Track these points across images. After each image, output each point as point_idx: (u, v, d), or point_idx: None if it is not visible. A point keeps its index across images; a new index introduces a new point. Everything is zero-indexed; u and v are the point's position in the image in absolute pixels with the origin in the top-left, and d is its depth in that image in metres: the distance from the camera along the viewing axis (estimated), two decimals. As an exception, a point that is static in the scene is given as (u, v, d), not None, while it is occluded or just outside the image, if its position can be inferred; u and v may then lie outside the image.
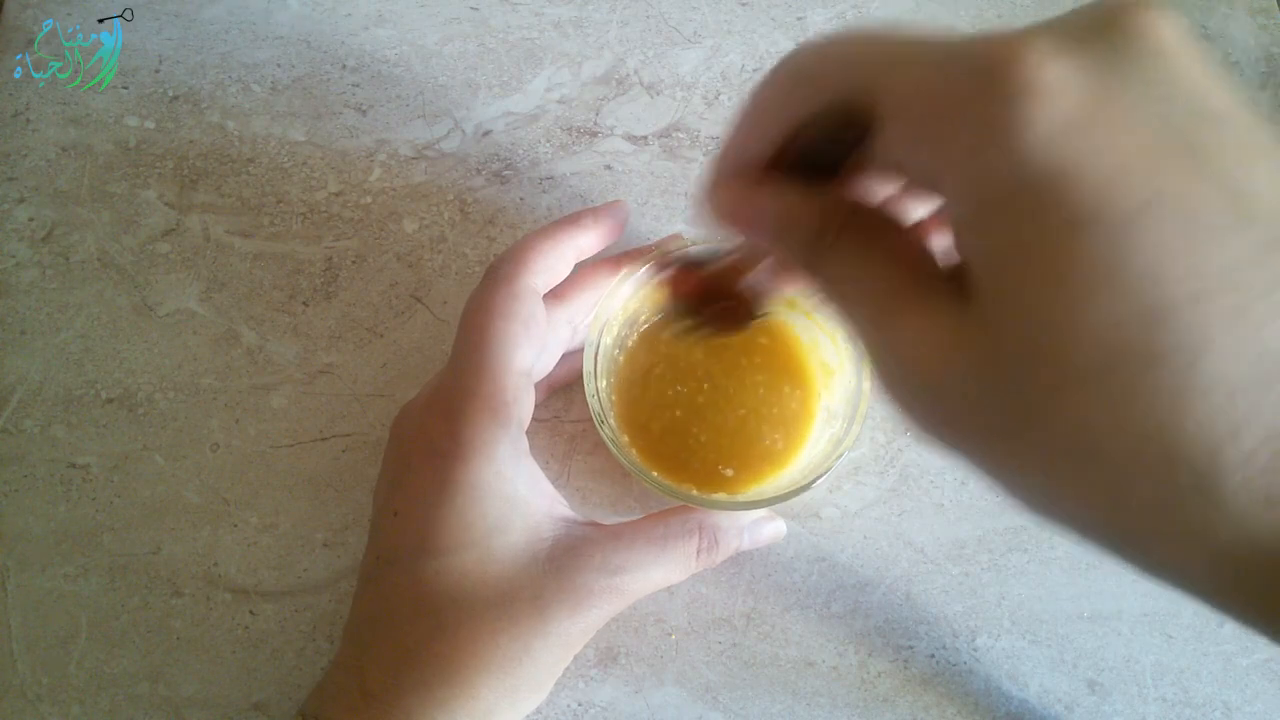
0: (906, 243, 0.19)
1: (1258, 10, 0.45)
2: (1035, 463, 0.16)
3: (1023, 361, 0.16)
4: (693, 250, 0.33)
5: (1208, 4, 0.45)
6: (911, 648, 0.36)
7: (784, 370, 0.36)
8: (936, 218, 0.21)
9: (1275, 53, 0.45)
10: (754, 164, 0.21)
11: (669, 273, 0.31)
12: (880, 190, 0.21)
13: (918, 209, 0.21)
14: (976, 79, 0.16)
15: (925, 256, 0.19)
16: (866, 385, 0.33)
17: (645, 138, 0.42)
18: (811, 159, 0.21)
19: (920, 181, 0.18)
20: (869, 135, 0.18)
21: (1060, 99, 0.15)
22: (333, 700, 0.29)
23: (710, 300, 0.31)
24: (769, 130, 0.20)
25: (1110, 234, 0.14)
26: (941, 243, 0.19)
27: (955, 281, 0.17)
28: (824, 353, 0.36)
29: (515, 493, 0.30)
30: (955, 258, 0.18)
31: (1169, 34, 0.16)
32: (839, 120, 0.19)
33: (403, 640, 0.29)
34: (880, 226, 0.20)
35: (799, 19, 0.44)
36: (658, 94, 0.43)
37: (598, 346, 0.34)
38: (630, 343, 0.37)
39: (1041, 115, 0.15)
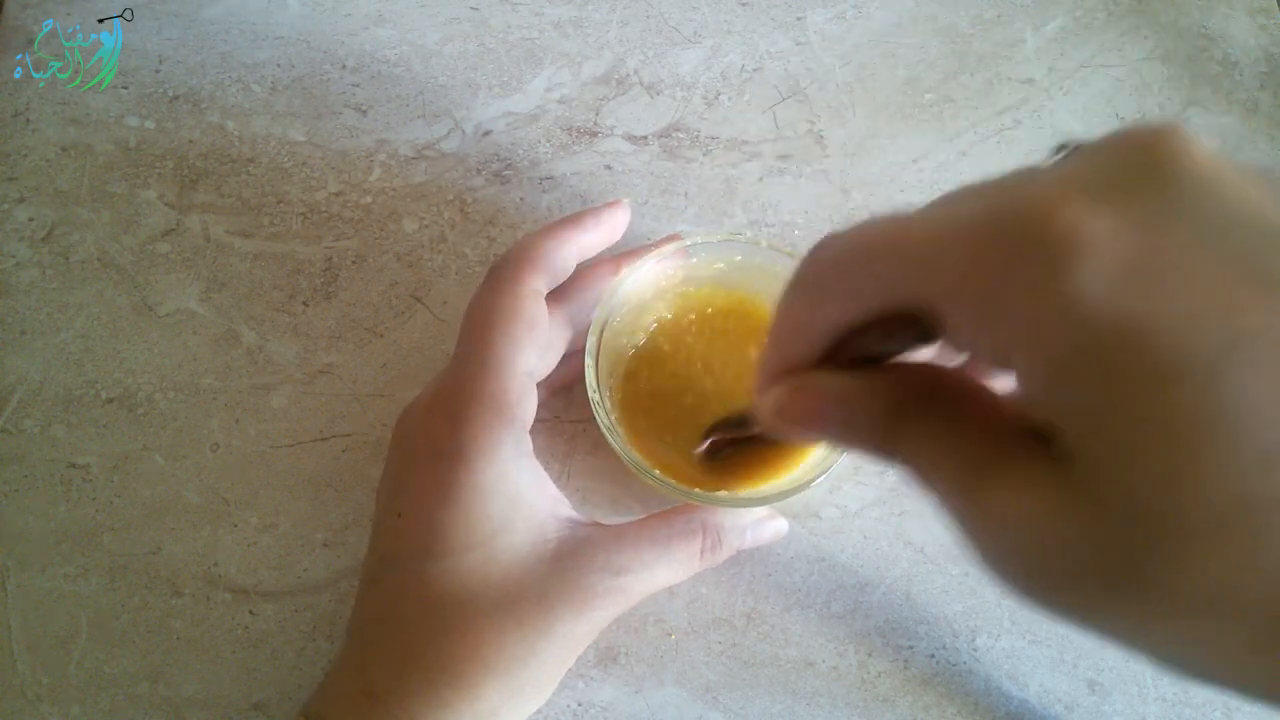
0: (983, 410, 0.19)
1: (1258, 10, 0.45)
2: (1164, 624, 0.15)
3: (1135, 522, 0.15)
4: (728, 419, 0.33)
5: (1208, 4, 0.45)
6: (911, 648, 0.36)
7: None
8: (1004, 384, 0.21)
9: (1275, 53, 0.45)
10: (806, 361, 0.21)
11: (710, 443, 0.33)
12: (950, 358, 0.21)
13: (986, 376, 0.21)
14: (1018, 247, 0.15)
15: (1004, 423, 0.18)
16: None
17: (645, 138, 0.42)
18: (854, 355, 0.20)
19: (994, 363, 0.17)
20: (921, 329, 0.18)
21: (1111, 248, 0.14)
22: (336, 701, 0.29)
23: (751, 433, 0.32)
24: (813, 338, 0.20)
25: (1201, 381, 0.14)
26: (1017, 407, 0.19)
27: (1042, 446, 0.17)
28: None
29: (519, 494, 0.30)
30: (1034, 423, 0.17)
31: (1204, 160, 0.15)
32: (882, 322, 0.18)
33: (407, 641, 0.29)
34: (951, 399, 0.19)
35: (799, 19, 0.44)
36: (658, 94, 0.43)
37: (599, 346, 0.34)
38: (632, 341, 0.37)
39: (1096, 269, 0.14)
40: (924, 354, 0.21)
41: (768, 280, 0.36)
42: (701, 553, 0.32)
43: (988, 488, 0.17)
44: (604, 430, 0.33)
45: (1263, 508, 0.14)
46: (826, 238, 0.19)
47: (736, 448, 0.33)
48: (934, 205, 0.18)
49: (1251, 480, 0.14)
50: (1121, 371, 0.14)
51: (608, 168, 0.42)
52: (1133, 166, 0.15)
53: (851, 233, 0.19)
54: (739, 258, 0.36)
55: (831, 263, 0.19)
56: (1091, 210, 0.15)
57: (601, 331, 0.34)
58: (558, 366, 0.35)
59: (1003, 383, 0.20)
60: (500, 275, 0.33)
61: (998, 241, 0.16)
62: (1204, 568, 0.14)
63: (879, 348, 0.20)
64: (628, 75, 0.43)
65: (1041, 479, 0.16)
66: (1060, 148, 0.18)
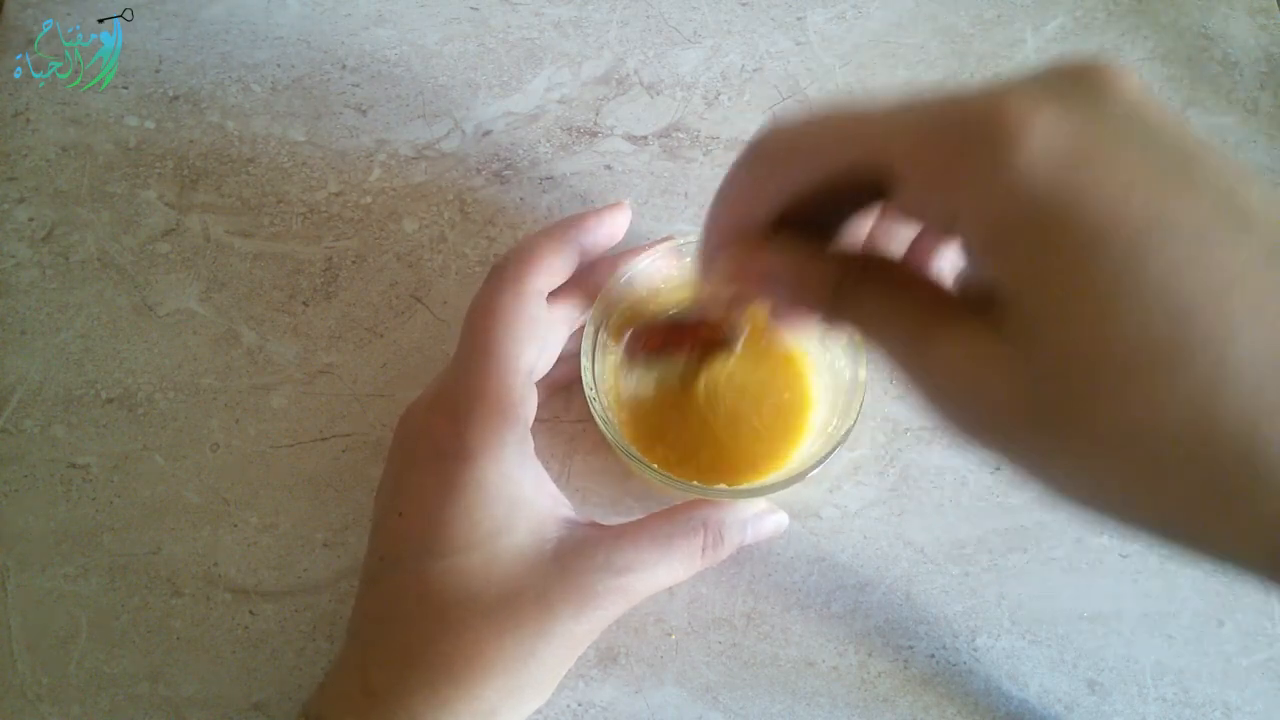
0: (922, 280, 0.21)
1: (1258, 10, 0.45)
2: (1080, 459, 0.18)
3: (1060, 368, 0.17)
4: (655, 315, 0.34)
5: (1208, 4, 0.45)
6: (911, 648, 0.36)
7: (780, 361, 0.36)
8: (931, 252, 0.24)
9: (1275, 53, 0.45)
10: (753, 230, 0.22)
11: (635, 339, 0.32)
12: (886, 239, 0.24)
13: (925, 250, 0.24)
14: (976, 127, 0.18)
15: (942, 291, 0.21)
16: (862, 376, 0.33)
17: (645, 138, 0.42)
18: (802, 221, 0.22)
19: (939, 225, 0.19)
20: (872, 195, 0.20)
21: (1053, 135, 0.17)
22: (336, 700, 0.29)
23: (684, 343, 0.32)
24: (762, 204, 0.22)
25: (1126, 249, 0.16)
26: (948, 273, 0.22)
27: (978, 306, 0.19)
28: (819, 343, 0.36)
29: (521, 493, 0.30)
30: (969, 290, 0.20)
31: (1138, 88, 0.18)
32: (828, 190, 0.21)
33: (407, 640, 0.29)
34: (893, 269, 0.22)
35: (799, 19, 0.44)
36: (658, 94, 0.43)
37: (595, 343, 0.34)
38: (630, 340, 0.37)
39: (1039, 150, 0.17)
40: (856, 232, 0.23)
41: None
42: (703, 550, 0.32)
43: (933, 340, 0.20)
44: (601, 426, 0.33)
45: (1172, 356, 0.16)
46: (782, 116, 0.21)
47: (697, 363, 0.33)
48: (891, 99, 0.20)
49: (1162, 330, 0.16)
50: (1056, 237, 0.17)
51: (608, 168, 0.42)
52: (1073, 81, 0.18)
53: (810, 110, 0.21)
54: None
55: (791, 132, 0.21)
56: (1038, 106, 0.17)
57: (598, 330, 0.34)
58: (556, 365, 0.35)
59: (939, 265, 0.24)
60: (503, 274, 0.33)
61: (953, 122, 0.18)
62: (1118, 405, 0.17)
63: (826, 214, 0.22)
64: (628, 75, 0.43)
65: (980, 334, 0.19)
66: None
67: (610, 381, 0.37)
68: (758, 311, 0.34)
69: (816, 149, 0.20)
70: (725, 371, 0.36)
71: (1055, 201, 0.17)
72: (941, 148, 0.18)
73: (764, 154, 0.22)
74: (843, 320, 0.22)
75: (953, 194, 0.18)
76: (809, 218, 0.22)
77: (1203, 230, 0.16)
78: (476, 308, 0.33)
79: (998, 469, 0.38)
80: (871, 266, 0.22)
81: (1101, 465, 0.17)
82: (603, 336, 0.35)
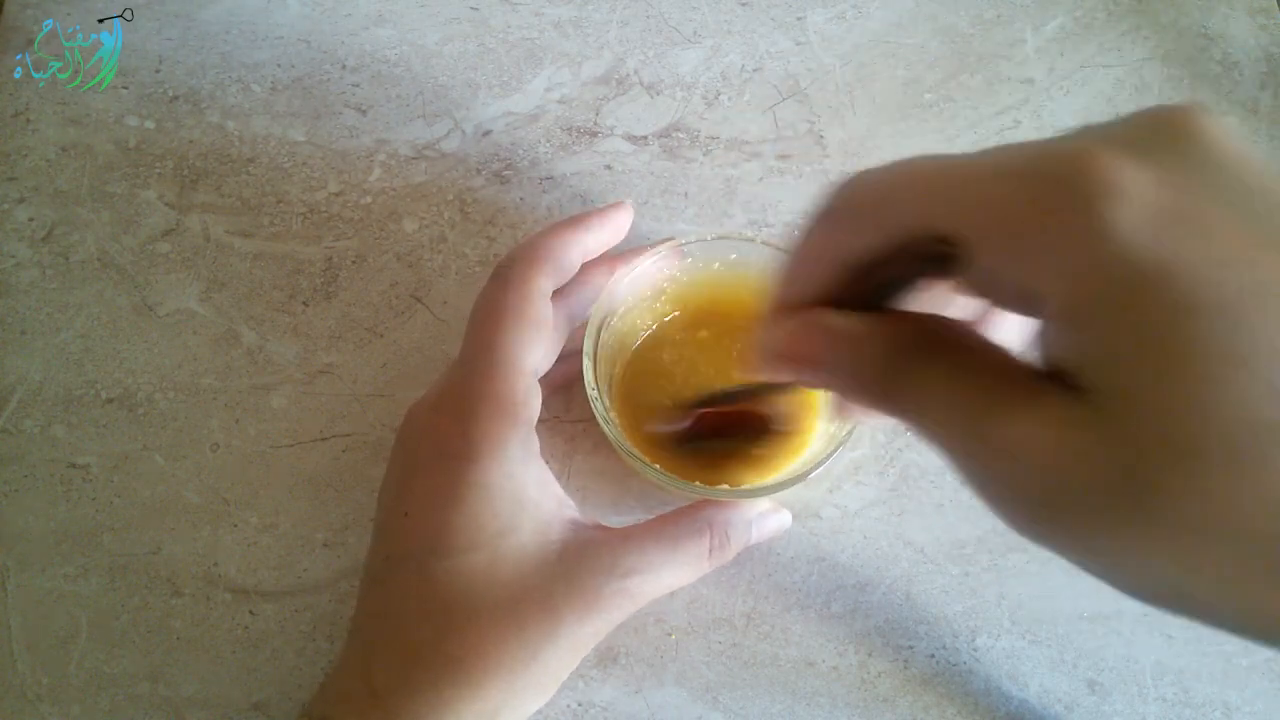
0: (986, 350, 0.19)
1: (1258, 10, 0.45)
2: (1167, 547, 0.16)
3: (1152, 446, 0.16)
4: (714, 391, 0.34)
5: (1208, 4, 0.45)
6: (911, 648, 0.36)
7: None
8: (998, 327, 0.22)
9: (1275, 53, 0.45)
10: (809, 306, 0.21)
11: (692, 417, 0.33)
12: (950, 310, 0.22)
13: (997, 326, 0.22)
14: (1057, 188, 0.16)
15: (1012, 362, 0.19)
16: None
17: (645, 138, 0.42)
18: (859, 301, 0.21)
19: (1015, 295, 0.18)
20: (936, 267, 0.19)
21: (1146, 196, 0.16)
22: (339, 700, 0.29)
23: (732, 426, 0.33)
24: (826, 270, 0.21)
25: (1223, 318, 0.15)
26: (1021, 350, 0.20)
27: (1053, 383, 0.18)
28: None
29: (525, 494, 0.30)
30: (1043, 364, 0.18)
31: (1227, 138, 0.17)
32: (897, 257, 0.19)
33: (411, 641, 0.29)
34: (958, 343, 0.20)
35: (799, 19, 0.44)
36: (658, 94, 0.43)
37: (596, 344, 0.34)
38: (629, 340, 0.37)
39: (1129, 214, 0.16)
40: (931, 300, 0.21)
41: (764, 279, 0.36)
42: (710, 551, 0.32)
43: (998, 421, 0.18)
44: (603, 426, 0.33)
45: (1271, 435, 0.15)
46: (858, 172, 0.20)
47: (715, 438, 0.33)
48: (971, 154, 0.18)
49: (1263, 409, 0.15)
50: (1148, 307, 0.15)
51: (608, 168, 0.42)
52: (1164, 133, 0.17)
53: (886, 166, 0.19)
54: (734, 256, 0.36)
55: (864, 191, 0.20)
56: (1129, 162, 0.16)
57: (599, 330, 0.34)
58: (556, 364, 0.35)
59: (1006, 334, 0.22)
60: (508, 274, 0.33)
61: (1039, 181, 0.17)
62: (1213, 490, 0.15)
63: (893, 282, 0.20)
64: (628, 75, 0.43)
65: (1055, 411, 0.17)
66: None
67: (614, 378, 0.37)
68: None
69: (892, 208, 0.19)
70: (725, 374, 0.36)
71: (1152, 267, 0.15)
72: (1025, 209, 0.17)
73: (839, 211, 0.20)
74: (896, 402, 0.20)
75: (1037, 259, 0.17)
76: (866, 299, 0.21)
77: None
78: (481, 308, 0.33)
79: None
80: (927, 335, 0.20)
81: (1202, 551, 0.16)
82: (605, 337, 0.35)
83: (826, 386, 0.23)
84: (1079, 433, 0.17)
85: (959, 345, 0.20)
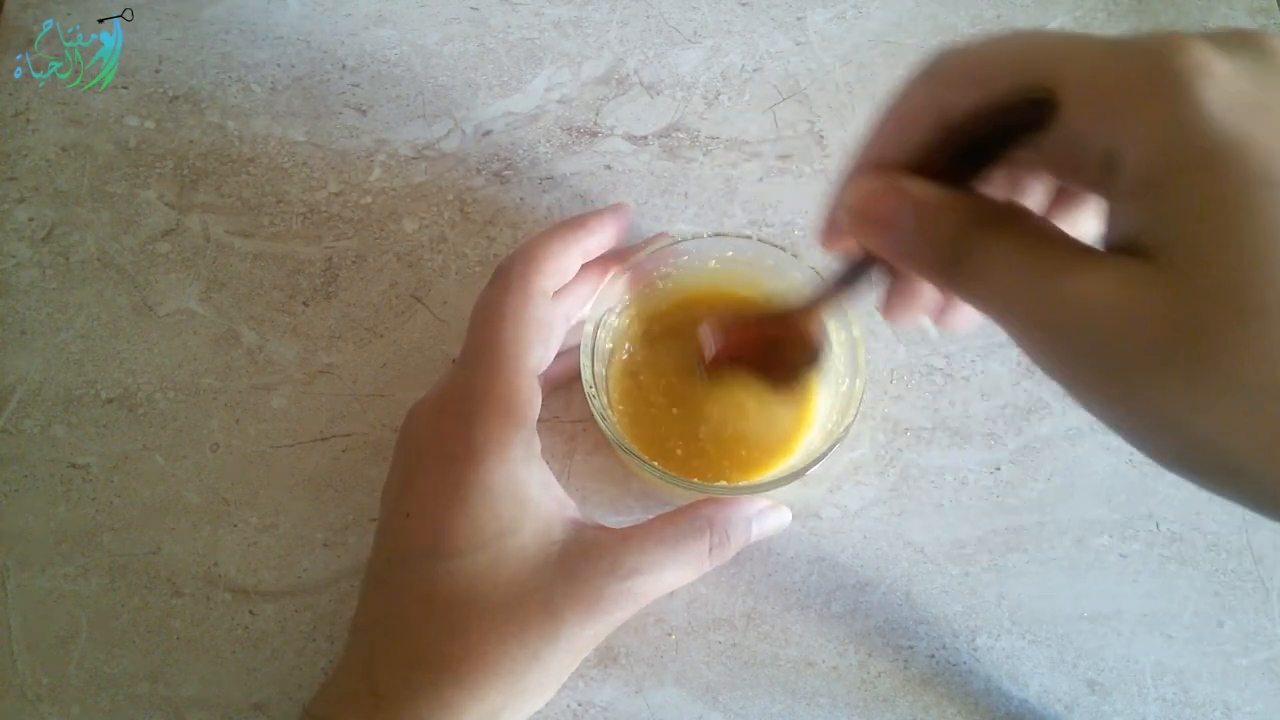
0: (1055, 228, 0.20)
1: (1258, 10, 0.45)
2: (1225, 400, 0.17)
3: (1216, 303, 0.17)
4: (734, 313, 0.33)
5: (1208, 4, 0.45)
6: (911, 648, 0.36)
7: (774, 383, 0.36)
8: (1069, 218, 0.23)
9: (1275, 53, 0.45)
10: (892, 167, 0.22)
11: (718, 334, 0.32)
12: (1024, 195, 0.23)
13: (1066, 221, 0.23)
14: (1154, 61, 0.18)
15: (1076, 240, 0.20)
16: (862, 371, 0.33)
17: (645, 138, 0.42)
18: (943, 168, 0.21)
19: (1096, 162, 0.19)
20: (1032, 126, 0.20)
21: (1231, 81, 0.17)
22: (341, 701, 0.29)
23: (761, 356, 0.32)
24: (919, 129, 0.22)
25: None
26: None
27: (1133, 247, 0.18)
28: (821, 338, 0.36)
29: (527, 495, 0.30)
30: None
31: None
32: (992, 114, 0.20)
33: (414, 642, 0.29)
34: (1024, 217, 0.21)
35: (799, 19, 0.44)
36: (658, 94, 0.43)
37: (594, 342, 0.34)
38: (627, 337, 0.37)
39: (1218, 93, 0.17)
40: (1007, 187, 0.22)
41: (760, 276, 0.36)
42: (710, 550, 0.32)
43: (1069, 280, 0.19)
44: (601, 425, 0.33)
45: None
46: (953, 42, 0.21)
47: (743, 364, 0.33)
48: (1071, 32, 0.20)
49: None
50: (1223, 176, 0.17)
51: (608, 168, 0.42)
52: (1247, 43, 0.19)
53: (986, 36, 0.21)
54: (731, 254, 0.36)
55: (965, 52, 0.21)
56: (1219, 54, 0.18)
57: (596, 328, 0.34)
58: (554, 362, 0.35)
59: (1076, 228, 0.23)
60: (510, 275, 0.33)
61: (1137, 53, 0.18)
62: (1271, 349, 0.16)
63: (979, 146, 0.21)
64: (628, 75, 0.43)
65: (1124, 271, 0.18)
66: None
67: (614, 376, 0.37)
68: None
69: (993, 63, 0.20)
70: (727, 369, 0.36)
71: (1230, 142, 0.17)
72: (1120, 74, 0.18)
73: (941, 66, 0.21)
74: (960, 275, 0.21)
75: (1125, 121, 0.18)
76: (946, 170, 0.21)
77: None
78: (483, 308, 0.33)
79: (998, 469, 0.38)
80: (1000, 211, 0.21)
81: (1245, 417, 0.17)
82: (602, 335, 0.35)
83: (894, 254, 0.23)
84: (1145, 289, 0.18)
85: (1030, 221, 0.21)
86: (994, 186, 0.23)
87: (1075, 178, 0.21)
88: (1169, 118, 0.17)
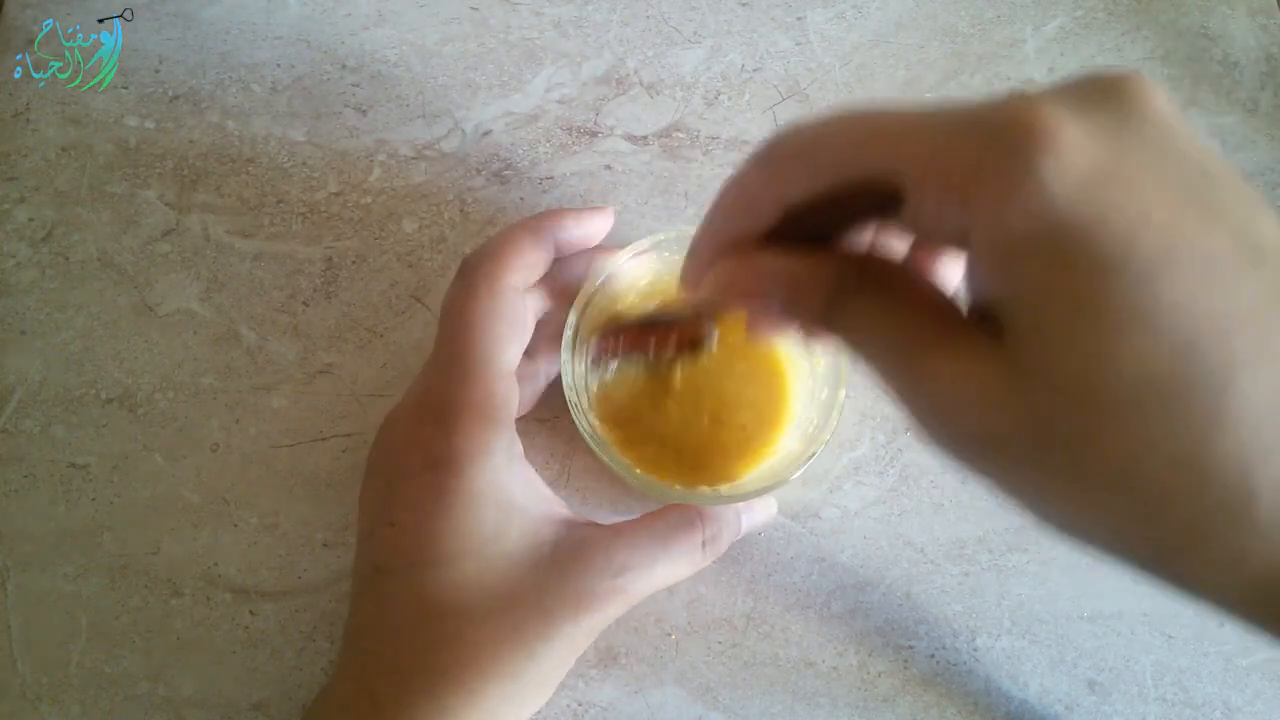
0: (922, 291, 0.20)
1: (1258, 10, 0.45)
2: (1071, 490, 0.17)
3: (1058, 394, 0.17)
4: (632, 317, 0.33)
5: (1208, 4, 0.45)
6: (911, 648, 0.36)
7: (758, 357, 0.36)
8: (936, 262, 0.23)
9: (1275, 53, 0.45)
10: (747, 240, 0.22)
11: (606, 338, 0.32)
12: (889, 246, 0.23)
13: (931, 260, 0.23)
14: (998, 139, 0.17)
15: (943, 302, 0.20)
16: (843, 371, 0.33)
17: (645, 138, 0.42)
18: (792, 235, 0.21)
19: (950, 237, 0.19)
20: (872, 208, 0.19)
21: (1079, 155, 0.16)
22: (340, 710, 0.29)
23: (655, 343, 0.32)
24: (762, 212, 0.21)
25: (1138, 277, 0.16)
26: (953, 286, 0.21)
27: (979, 324, 0.18)
28: (797, 345, 0.36)
29: (512, 498, 0.30)
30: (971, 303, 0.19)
31: (1164, 104, 0.18)
32: (834, 198, 0.20)
33: (408, 649, 0.29)
34: (893, 278, 0.21)
35: (799, 19, 0.44)
36: (658, 94, 0.43)
37: (575, 346, 0.34)
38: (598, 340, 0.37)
39: (1063, 170, 0.16)
40: (861, 240, 0.22)
41: None
42: (703, 545, 0.32)
43: (928, 358, 0.19)
44: (582, 432, 0.33)
45: (1171, 391, 0.16)
46: (793, 122, 0.20)
47: (631, 357, 0.33)
48: (910, 106, 0.19)
49: (1166, 365, 0.16)
50: (1072, 257, 0.16)
51: (608, 168, 0.42)
52: (1105, 96, 0.18)
53: (821, 116, 0.20)
54: None
55: (803, 136, 0.20)
56: (1068, 119, 0.17)
57: (577, 329, 0.34)
58: (523, 360, 0.34)
59: (942, 274, 0.23)
60: (476, 272, 0.32)
61: (978, 129, 0.17)
62: (1113, 439, 0.16)
63: (830, 222, 0.21)
64: (628, 75, 0.43)
65: (978, 352, 0.18)
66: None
67: (590, 381, 0.36)
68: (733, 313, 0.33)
69: (830, 151, 0.20)
70: (703, 369, 0.36)
71: (1076, 220, 0.16)
72: (963, 153, 0.17)
73: (776, 155, 0.21)
74: (834, 331, 0.21)
75: (970, 203, 0.17)
76: (806, 229, 0.21)
77: (1215, 263, 0.16)
78: (454, 309, 0.32)
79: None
80: (870, 272, 0.21)
81: (1094, 497, 0.17)
82: (582, 336, 0.35)
83: (777, 320, 0.23)
84: (995, 378, 0.18)
85: (892, 284, 0.21)
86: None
87: (934, 242, 0.21)
88: (1011, 199, 0.16)
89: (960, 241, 0.18)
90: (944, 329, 0.19)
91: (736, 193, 0.22)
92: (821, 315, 0.21)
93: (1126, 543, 0.18)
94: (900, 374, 0.20)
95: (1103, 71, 0.18)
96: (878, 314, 0.20)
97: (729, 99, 0.43)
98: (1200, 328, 0.16)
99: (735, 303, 0.22)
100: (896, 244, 0.23)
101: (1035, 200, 0.16)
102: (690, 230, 0.39)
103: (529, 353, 0.34)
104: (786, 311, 0.21)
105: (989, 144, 0.17)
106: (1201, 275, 0.16)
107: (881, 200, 0.19)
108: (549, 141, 0.42)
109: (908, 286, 0.21)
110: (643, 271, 0.36)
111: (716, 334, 0.32)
